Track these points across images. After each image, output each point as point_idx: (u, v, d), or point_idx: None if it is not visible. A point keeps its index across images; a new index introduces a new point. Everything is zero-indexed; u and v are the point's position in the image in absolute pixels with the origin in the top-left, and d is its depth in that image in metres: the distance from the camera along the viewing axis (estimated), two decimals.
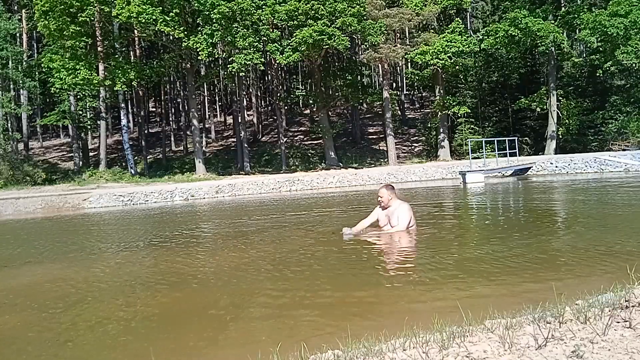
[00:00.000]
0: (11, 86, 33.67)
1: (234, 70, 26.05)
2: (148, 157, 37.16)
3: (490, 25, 32.25)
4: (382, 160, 33.08)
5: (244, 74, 30.53)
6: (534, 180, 16.61)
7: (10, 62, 32.41)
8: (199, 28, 26.51)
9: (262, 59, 27.20)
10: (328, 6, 25.50)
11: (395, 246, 5.59)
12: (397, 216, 5.96)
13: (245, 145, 32.16)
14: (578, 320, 2.14)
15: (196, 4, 25.15)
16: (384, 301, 3.48)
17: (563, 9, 30.86)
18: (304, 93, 39.67)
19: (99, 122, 34.33)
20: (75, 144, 34.18)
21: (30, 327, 3.39)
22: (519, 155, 22.93)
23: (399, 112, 39.64)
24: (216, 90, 50.77)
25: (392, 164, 29.63)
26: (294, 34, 26.12)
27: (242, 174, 29.42)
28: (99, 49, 28.15)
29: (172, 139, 43.34)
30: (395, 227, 5.92)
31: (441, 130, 32.31)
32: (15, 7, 39.58)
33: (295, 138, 40.96)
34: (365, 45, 31.59)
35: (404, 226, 5.93)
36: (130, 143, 31.97)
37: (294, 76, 49.14)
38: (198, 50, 25.20)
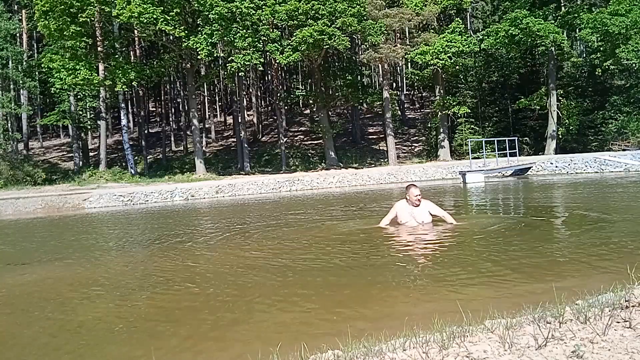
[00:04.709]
0: (11, 86, 33.68)
1: (233, 70, 26.05)
2: (148, 157, 37.17)
3: (490, 25, 32.26)
4: (382, 160, 33.07)
5: (243, 74, 30.52)
6: (534, 180, 16.61)
7: (10, 62, 32.43)
8: (199, 28, 26.51)
9: (262, 59, 27.18)
10: (328, 6, 25.48)
11: (394, 246, 5.59)
12: (430, 212, 6.33)
13: (245, 145, 32.16)
14: (578, 320, 2.14)
15: (196, 4, 25.15)
16: (384, 301, 3.47)
17: (563, 9, 30.87)
18: (304, 93, 39.66)
19: (99, 122, 34.33)
20: (75, 144, 34.19)
21: (30, 327, 3.39)
22: (519, 155, 22.93)
23: (399, 112, 39.63)
24: (216, 90, 50.78)
25: (392, 164, 29.63)
26: (294, 34, 26.11)
27: (242, 174, 29.41)
28: (99, 49, 28.15)
29: (172, 139, 43.35)
30: (445, 217, 6.33)
31: (441, 130, 32.31)
32: (16, 7, 39.60)
33: (295, 138, 40.97)
34: (365, 45, 31.57)
35: (450, 216, 6.38)
36: (130, 143, 31.97)
37: (294, 76, 49.15)
38: (198, 50, 25.21)
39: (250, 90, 43.21)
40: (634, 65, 27.48)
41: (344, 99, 34.19)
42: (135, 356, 2.74)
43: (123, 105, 32.20)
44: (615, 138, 30.34)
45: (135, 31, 29.55)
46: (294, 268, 4.62)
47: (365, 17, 27.22)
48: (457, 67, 32.10)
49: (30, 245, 8.11)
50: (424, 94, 47.33)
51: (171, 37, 27.77)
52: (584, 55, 36.31)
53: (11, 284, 4.90)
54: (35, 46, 40.87)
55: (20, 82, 32.30)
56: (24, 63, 34.67)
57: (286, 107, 41.94)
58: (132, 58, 34.90)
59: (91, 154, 39.09)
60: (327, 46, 26.59)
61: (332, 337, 2.47)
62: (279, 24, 27.86)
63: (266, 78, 47.09)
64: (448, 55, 28.77)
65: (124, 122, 31.26)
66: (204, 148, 34.58)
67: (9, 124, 33.97)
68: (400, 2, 30.28)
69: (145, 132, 40.01)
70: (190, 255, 5.83)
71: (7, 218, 15.46)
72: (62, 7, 24.90)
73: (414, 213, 6.25)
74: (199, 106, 40.65)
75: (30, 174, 27.25)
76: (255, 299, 3.70)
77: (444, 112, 31.85)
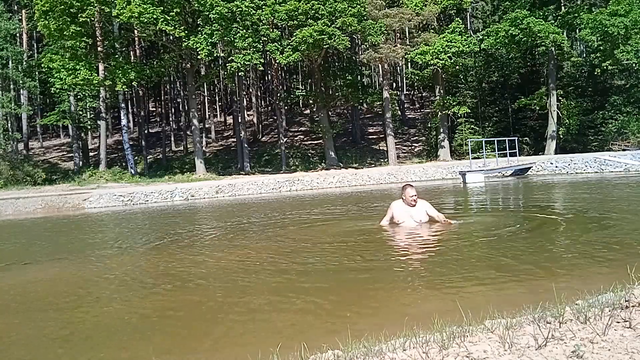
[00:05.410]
0: (11, 86, 33.67)
1: (233, 70, 26.06)
2: (148, 157, 37.17)
3: (490, 25, 32.28)
4: (382, 160, 33.07)
5: (243, 74, 30.52)
6: (534, 180, 16.61)
7: (10, 62, 32.43)
8: (199, 28, 26.52)
9: (262, 59, 27.18)
10: (328, 6, 25.49)
11: (393, 246, 5.59)
12: (426, 212, 6.33)
13: (245, 145, 32.16)
14: (578, 320, 2.14)
15: (196, 4, 25.16)
16: (384, 301, 3.47)
17: (563, 9, 30.89)
18: (304, 93, 39.65)
19: (99, 122, 34.32)
20: (75, 144, 34.18)
21: (30, 327, 3.39)
22: (519, 155, 22.93)
23: (399, 112, 39.63)
24: (216, 90, 50.77)
25: (392, 164, 29.62)
26: (294, 34, 26.11)
27: (242, 174, 29.41)
28: (99, 49, 28.15)
29: (172, 139, 43.34)
30: (439, 218, 6.33)
31: (441, 130, 32.31)
32: (16, 7, 39.59)
33: (295, 138, 40.96)
34: (365, 45, 31.58)
35: (442, 215, 6.42)
36: (130, 143, 31.96)
37: (294, 76, 49.15)
38: (198, 50, 25.21)
39: (250, 90, 43.20)
40: (633, 65, 27.48)
41: (344, 99, 34.19)
42: (135, 356, 2.74)
43: (123, 105, 32.19)
44: (615, 138, 30.33)
45: (135, 31, 29.53)
46: (294, 268, 4.62)
47: (365, 17, 27.22)
48: (457, 67, 32.10)
49: (30, 246, 8.11)
50: (424, 94, 47.32)
51: (171, 37, 27.76)
52: (584, 55, 36.31)
53: (12, 284, 4.90)
54: (35, 46, 40.86)
55: (20, 82, 32.29)
56: (24, 63, 34.67)
57: (286, 107, 41.93)
58: (132, 58, 34.89)
59: (91, 154, 39.08)
60: (327, 46, 26.60)
61: (332, 337, 2.47)
62: (279, 24, 27.86)
63: (266, 78, 47.08)
64: (448, 55, 28.77)
65: (124, 122, 31.25)
66: (204, 148, 34.58)
67: (9, 124, 33.96)
68: (400, 2, 30.28)
69: (145, 132, 40.00)
70: (190, 255, 5.83)
71: (7, 218, 15.46)
72: (62, 7, 24.90)
73: (411, 213, 6.25)
74: (199, 106, 40.64)
75: (30, 174, 27.25)
76: (255, 299, 3.70)
77: (444, 112, 31.85)
